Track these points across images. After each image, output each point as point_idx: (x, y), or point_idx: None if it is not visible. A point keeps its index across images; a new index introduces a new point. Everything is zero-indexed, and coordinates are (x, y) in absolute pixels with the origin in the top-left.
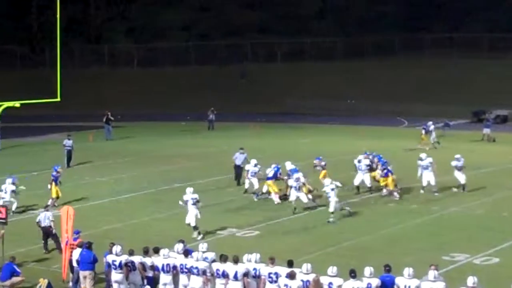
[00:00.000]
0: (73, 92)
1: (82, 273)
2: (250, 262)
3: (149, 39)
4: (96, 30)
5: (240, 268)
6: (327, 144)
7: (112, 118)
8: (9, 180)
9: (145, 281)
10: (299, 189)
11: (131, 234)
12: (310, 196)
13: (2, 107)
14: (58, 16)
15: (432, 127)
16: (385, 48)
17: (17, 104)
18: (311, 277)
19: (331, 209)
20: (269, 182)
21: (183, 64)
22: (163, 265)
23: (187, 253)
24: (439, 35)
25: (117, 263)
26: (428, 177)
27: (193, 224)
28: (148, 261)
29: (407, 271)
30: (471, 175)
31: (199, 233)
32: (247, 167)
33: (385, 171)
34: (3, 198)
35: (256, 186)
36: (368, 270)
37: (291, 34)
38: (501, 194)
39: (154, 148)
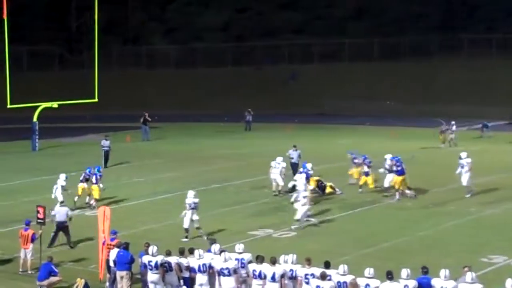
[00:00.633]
0: (111, 93)
1: (119, 274)
2: (286, 263)
3: (186, 40)
4: (134, 31)
5: (278, 269)
6: (365, 145)
7: (149, 119)
8: (62, 176)
9: (182, 282)
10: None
11: (167, 234)
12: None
13: (40, 108)
14: (96, 17)
15: (454, 127)
16: (421, 49)
17: (55, 104)
18: (348, 278)
19: (297, 216)
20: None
21: (220, 65)
22: (199, 265)
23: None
24: (477, 35)
25: (153, 264)
26: (462, 178)
27: (186, 226)
28: (184, 261)
29: (444, 272)
30: (510, 177)
31: (186, 236)
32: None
33: (366, 170)
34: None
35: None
36: (405, 272)
37: (328, 35)
38: None
39: (191, 149)
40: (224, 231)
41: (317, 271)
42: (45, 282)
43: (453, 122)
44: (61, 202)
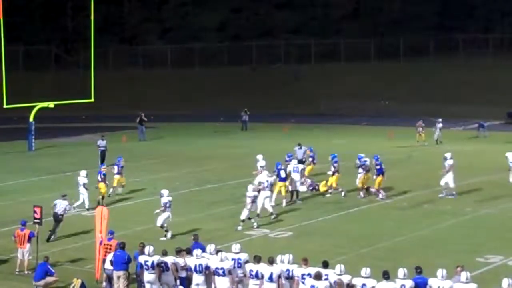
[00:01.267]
0: (107, 93)
1: (116, 273)
2: (283, 263)
3: (183, 40)
4: (130, 31)
5: (275, 270)
6: (361, 144)
7: (145, 119)
8: (82, 173)
9: (178, 282)
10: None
11: (163, 235)
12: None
13: (37, 108)
14: (92, 17)
15: (440, 125)
16: (418, 49)
17: (51, 104)
18: (345, 278)
19: (242, 216)
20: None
21: (217, 65)
22: (195, 265)
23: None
24: (473, 36)
25: (149, 264)
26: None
27: (159, 224)
28: (180, 261)
29: (441, 272)
30: (506, 176)
31: (165, 235)
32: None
33: (333, 170)
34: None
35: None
36: (401, 272)
37: (325, 35)
38: None
39: (187, 149)
40: (221, 231)
41: (314, 271)
42: (42, 282)
43: (440, 120)
44: (63, 196)
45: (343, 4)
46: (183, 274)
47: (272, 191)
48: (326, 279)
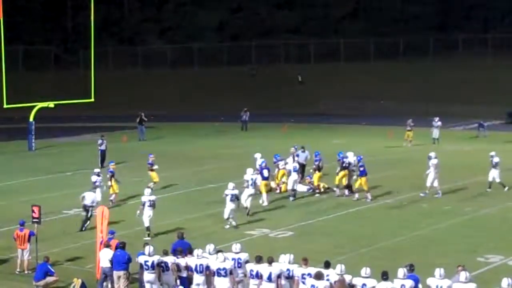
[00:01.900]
0: (107, 92)
1: (116, 273)
2: (284, 262)
3: (182, 40)
4: (130, 31)
5: (274, 269)
6: (361, 144)
7: (145, 119)
8: (97, 170)
9: (178, 282)
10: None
11: (164, 234)
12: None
13: (37, 108)
14: (92, 17)
15: (438, 124)
16: (418, 49)
17: (51, 104)
18: (346, 278)
19: (225, 215)
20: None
21: (216, 65)
22: (196, 265)
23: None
24: (473, 35)
25: (149, 264)
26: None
27: (146, 224)
28: (181, 261)
29: (439, 271)
30: (505, 176)
31: (148, 235)
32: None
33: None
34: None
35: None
36: (401, 272)
37: (324, 35)
38: None
39: (187, 148)
40: (221, 231)
41: (314, 271)
42: (42, 282)
43: (437, 118)
44: (95, 187)
45: (343, 4)
46: (184, 274)
47: (260, 191)
48: (327, 279)
